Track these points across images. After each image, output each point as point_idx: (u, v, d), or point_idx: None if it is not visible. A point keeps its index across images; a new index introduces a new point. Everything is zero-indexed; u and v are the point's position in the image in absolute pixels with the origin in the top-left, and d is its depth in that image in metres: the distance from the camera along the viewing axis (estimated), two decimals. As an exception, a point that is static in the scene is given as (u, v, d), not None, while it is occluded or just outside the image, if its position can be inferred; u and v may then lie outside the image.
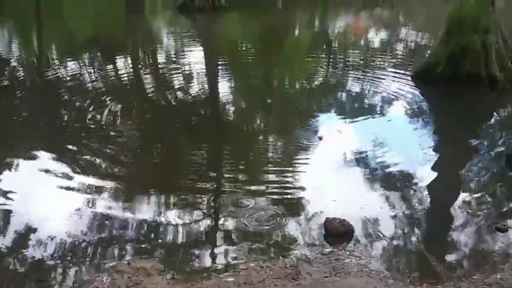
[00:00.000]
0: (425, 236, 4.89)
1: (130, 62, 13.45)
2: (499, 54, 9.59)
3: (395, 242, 4.67)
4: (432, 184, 5.97)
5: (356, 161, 6.54)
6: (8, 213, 5.11)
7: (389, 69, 12.33)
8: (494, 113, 9.04)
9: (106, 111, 8.84)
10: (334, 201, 5.30)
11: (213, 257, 4.44)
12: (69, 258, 4.38)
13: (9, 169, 6.37)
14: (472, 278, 4.07)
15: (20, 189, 5.65)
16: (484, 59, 9.41)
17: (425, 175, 6.15)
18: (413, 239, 4.78)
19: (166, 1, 26.80)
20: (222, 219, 5.09)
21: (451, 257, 4.49)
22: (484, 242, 4.71)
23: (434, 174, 6.28)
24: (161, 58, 14.18)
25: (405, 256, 4.48)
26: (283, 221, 5.01)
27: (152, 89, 10.89)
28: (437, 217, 5.31)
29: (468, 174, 6.28)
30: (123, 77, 11.73)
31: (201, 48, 15.51)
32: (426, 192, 5.71)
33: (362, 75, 11.54)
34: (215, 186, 6.02)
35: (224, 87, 10.80)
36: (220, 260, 4.37)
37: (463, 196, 5.61)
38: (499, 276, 4.09)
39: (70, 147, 7.10)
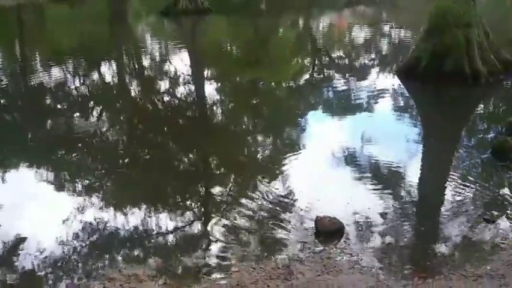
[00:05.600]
0: (414, 230, 4.92)
1: (115, 68, 13.38)
2: (481, 48, 9.69)
3: (385, 238, 4.69)
4: (420, 178, 6.02)
5: (344, 158, 6.57)
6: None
7: (373, 66, 12.44)
8: (479, 106, 9.16)
9: (93, 118, 8.82)
10: (324, 199, 5.31)
11: (205, 260, 4.43)
12: (60, 267, 4.35)
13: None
14: (462, 270, 4.11)
15: (8, 200, 5.59)
16: (466, 54, 9.49)
17: (413, 169, 6.20)
18: (403, 233, 4.80)
19: (150, 6, 26.69)
20: (213, 222, 5.07)
21: (440, 250, 4.53)
22: (473, 233, 4.75)
23: (422, 168, 6.33)
24: (146, 63, 14.13)
25: (396, 251, 4.51)
26: (274, 221, 5.02)
27: (139, 94, 10.86)
28: (426, 211, 5.36)
29: (456, 167, 6.35)
30: (109, 83, 11.67)
31: (186, 51, 15.45)
32: (414, 186, 5.75)
33: (346, 72, 11.60)
34: (204, 190, 6.00)
35: (210, 89, 10.79)
36: (212, 263, 4.37)
37: (451, 189, 5.66)
38: (488, 267, 4.13)
39: (58, 155, 7.06)
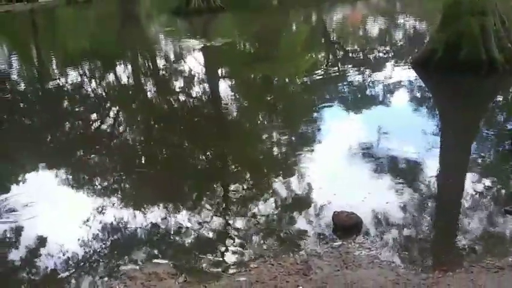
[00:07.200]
0: (433, 223, 4.87)
1: (130, 68, 13.51)
2: (498, 37, 9.54)
3: (404, 231, 4.66)
4: (439, 170, 5.96)
5: (361, 152, 6.52)
6: (19, 225, 5.16)
7: (389, 58, 12.34)
8: (496, 96, 9.02)
9: (110, 118, 8.92)
10: (341, 194, 5.29)
11: (224, 257, 4.46)
12: (81, 267, 4.42)
13: (17, 182, 6.43)
14: (483, 262, 4.07)
15: (29, 200, 5.68)
16: (482, 42, 9.35)
17: (430, 162, 6.13)
18: (422, 226, 4.76)
19: (160, 7, 26.85)
20: (231, 219, 5.10)
21: (461, 243, 4.48)
22: (493, 225, 4.70)
23: (440, 161, 6.26)
24: (161, 63, 14.22)
25: (415, 245, 4.47)
26: (291, 217, 5.03)
27: (155, 94, 10.94)
28: (445, 203, 5.30)
29: (474, 158, 6.27)
30: (125, 84, 11.78)
31: (200, 49, 15.50)
32: (432, 179, 5.69)
33: (361, 65, 11.52)
34: (222, 187, 6.03)
35: (225, 86, 10.82)
36: (231, 260, 4.39)
37: (470, 181, 5.59)
38: (510, 259, 4.08)
39: (77, 155, 7.16)
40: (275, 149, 7.16)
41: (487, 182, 5.49)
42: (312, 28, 19.04)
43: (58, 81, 12.08)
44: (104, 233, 5.00)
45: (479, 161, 6.16)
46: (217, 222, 5.10)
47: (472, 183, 5.51)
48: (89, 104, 10.08)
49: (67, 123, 8.87)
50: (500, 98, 8.96)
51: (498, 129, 7.24)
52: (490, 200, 5.11)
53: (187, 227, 4.99)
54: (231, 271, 4.20)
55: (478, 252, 4.31)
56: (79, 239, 4.83)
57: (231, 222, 5.06)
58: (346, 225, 4.65)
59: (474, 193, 5.28)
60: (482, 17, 9.46)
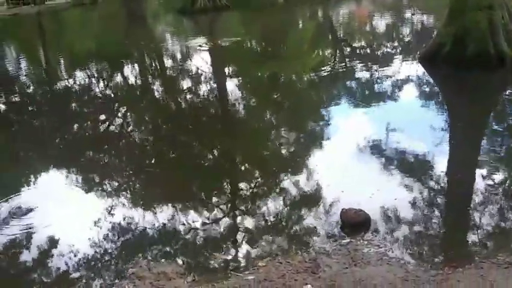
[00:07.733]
0: (443, 219, 4.84)
1: (138, 68, 13.54)
2: (506, 30, 9.44)
3: (413, 228, 4.63)
4: (448, 166, 5.91)
5: (369, 148, 6.49)
6: (29, 226, 5.19)
7: (396, 53, 12.27)
8: (505, 90, 8.93)
9: (119, 118, 8.95)
10: (349, 190, 5.27)
11: (232, 256, 4.46)
12: (90, 267, 4.45)
13: (28, 184, 6.48)
14: (494, 258, 4.03)
15: (39, 202, 5.72)
16: (490, 36, 9.27)
17: (440, 158, 6.08)
18: (431, 223, 4.73)
19: (166, 5, 26.89)
20: (239, 218, 5.10)
21: (470, 239, 4.45)
22: (503, 220, 4.66)
23: (449, 156, 6.21)
24: (167, 63, 14.25)
25: (425, 241, 4.44)
26: (299, 214, 5.02)
27: (163, 93, 10.97)
28: (455, 199, 5.26)
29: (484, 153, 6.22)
30: (133, 84, 11.82)
31: (207, 48, 15.52)
32: (442, 175, 5.65)
33: (369, 61, 11.47)
34: (230, 186, 6.03)
35: (232, 85, 10.81)
36: (240, 259, 4.39)
37: (480, 176, 5.54)
38: (521, 255, 4.04)
39: (86, 156, 7.20)
40: (283, 147, 7.14)
41: (497, 177, 5.44)
42: (319, 25, 18.97)
43: (66, 82, 12.14)
44: (113, 232, 5.02)
45: (489, 155, 6.10)
46: (225, 220, 5.10)
47: (481, 178, 5.46)
48: (97, 104, 10.13)
49: (76, 124, 8.91)
50: (509, 93, 8.86)
51: (508, 123, 7.18)
52: (500, 195, 5.07)
53: (195, 226, 4.99)
54: (239, 270, 4.20)
55: (488, 248, 4.27)
56: (88, 239, 4.86)
57: (239, 220, 5.06)
58: (354, 223, 4.63)
59: (483, 188, 5.23)
60: (489, 11, 9.36)
